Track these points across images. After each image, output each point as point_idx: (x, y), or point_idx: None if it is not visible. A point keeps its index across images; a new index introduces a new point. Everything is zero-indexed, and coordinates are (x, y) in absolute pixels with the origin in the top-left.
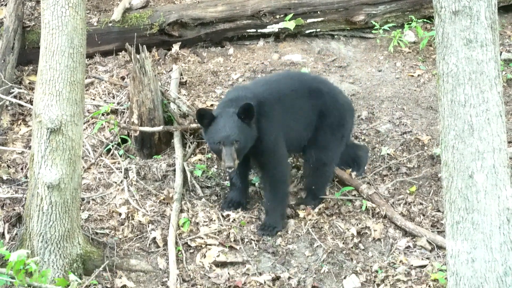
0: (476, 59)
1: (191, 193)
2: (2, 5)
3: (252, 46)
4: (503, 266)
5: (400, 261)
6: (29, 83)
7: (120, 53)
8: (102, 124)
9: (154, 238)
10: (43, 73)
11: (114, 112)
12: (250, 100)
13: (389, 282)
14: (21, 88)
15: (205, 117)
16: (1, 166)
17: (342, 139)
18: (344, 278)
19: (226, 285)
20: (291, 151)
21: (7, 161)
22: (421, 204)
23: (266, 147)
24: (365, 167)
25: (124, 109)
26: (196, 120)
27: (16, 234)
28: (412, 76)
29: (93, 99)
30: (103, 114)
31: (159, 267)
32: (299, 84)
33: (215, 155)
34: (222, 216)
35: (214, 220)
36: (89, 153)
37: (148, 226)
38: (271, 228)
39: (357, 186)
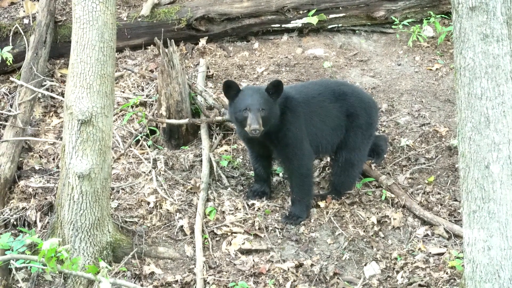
0: (492, 53)
1: (217, 182)
2: (34, 0)
3: (276, 40)
4: None
5: (419, 249)
6: (61, 76)
7: (149, 47)
8: (131, 116)
9: (182, 226)
10: (74, 66)
11: (143, 104)
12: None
13: (408, 269)
14: (53, 81)
15: (231, 88)
16: (33, 157)
17: (370, 138)
18: (365, 265)
19: (251, 271)
20: (324, 154)
21: (39, 152)
22: (439, 194)
23: (291, 140)
24: (384, 156)
25: (153, 101)
26: (223, 93)
27: (47, 222)
28: (431, 70)
29: (123, 92)
30: (132, 106)
31: (186, 255)
32: (324, 89)
33: (240, 141)
34: (247, 205)
35: (240, 209)
36: (119, 144)
37: (176, 215)
38: (295, 218)
39: (377, 177)
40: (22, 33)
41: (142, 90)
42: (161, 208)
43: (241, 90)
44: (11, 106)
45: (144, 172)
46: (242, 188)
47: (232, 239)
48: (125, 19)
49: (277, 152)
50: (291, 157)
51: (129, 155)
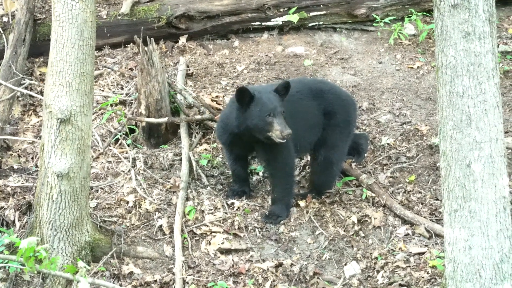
0: (474, 51)
1: (196, 182)
2: None
3: (257, 38)
4: (499, 253)
5: (399, 248)
6: (40, 74)
7: (129, 45)
8: (110, 115)
9: (161, 225)
10: (54, 64)
11: (123, 102)
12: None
13: (389, 269)
14: (32, 80)
15: (245, 94)
16: (12, 156)
17: (349, 136)
18: (345, 264)
19: (230, 271)
20: (302, 153)
21: (18, 151)
22: (419, 193)
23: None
24: (365, 155)
25: (132, 99)
26: (237, 101)
27: (26, 222)
28: (412, 68)
29: (102, 90)
30: (111, 105)
31: (165, 254)
32: (301, 86)
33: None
34: (227, 204)
35: (219, 208)
36: (98, 143)
37: (155, 214)
38: (275, 217)
39: (357, 175)
40: (1, 31)
41: (122, 88)
42: (140, 207)
43: (255, 95)
44: None
45: (123, 171)
46: (221, 187)
47: (211, 238)
48: (104, 17)
49: (263, 151)
50: (277, 156)
51: (108, 154)
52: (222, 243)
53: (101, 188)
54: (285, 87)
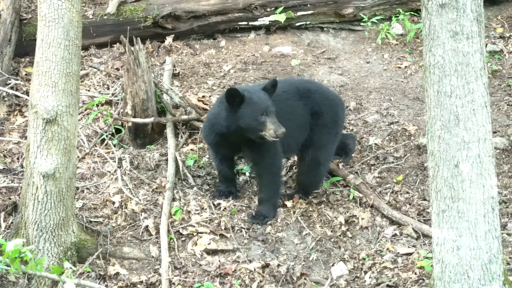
0: (462, 51)
1: (183, 182)
2: None
3: (244, 38)
4: (487, 254)
5: (387, 249)
6: (26, 74)
7: (115, 45)
8: (96, 115)
9: (147, 226)
10: (40, 64)
11: (109, 103)
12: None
13: (376, 270)
14: (17, 80)
15: (236, 96)
16: None
17: (337, 136)
18: (332, 265)
19: (217, 272)
20: (289, 153)
21: (4, 151)
22: (407, 193)
23: (267, 141)
24: (353, 155)
25: (118, 100)
26: (227, 102)
27: (11, 222)
28: (399, 67)
29: (88, 90)
30: (97, 105)
31: (152, 255)
32: (288, 86)
33: (206, 148)
34: (213, 204)
35: (206, 209)
36: (84, 143)
37: (141, 215)
38: (262, 217)
39: (345, 176)
40: None
41: (108, 88)
42: (126, 208)
43: (246, 95)
44: None
45: (109, 172)
46: (208, 187)
47: (198, 239)
48: (90, 17)
49: (250, 151)
50: (265, 156)
51: (94, 155)
52: (209, 243)
53: (87, 188)
54: (273, 85)
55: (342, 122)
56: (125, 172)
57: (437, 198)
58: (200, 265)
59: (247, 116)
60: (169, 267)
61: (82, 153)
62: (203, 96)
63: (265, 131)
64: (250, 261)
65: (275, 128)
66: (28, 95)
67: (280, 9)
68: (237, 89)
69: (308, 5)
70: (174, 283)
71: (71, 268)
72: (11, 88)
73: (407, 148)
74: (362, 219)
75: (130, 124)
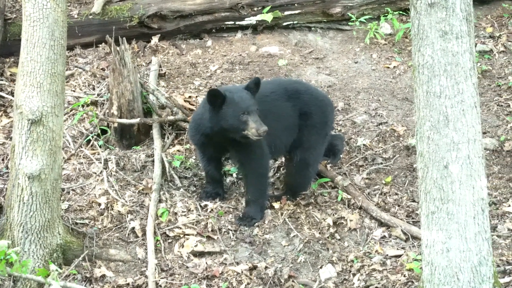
0: (452, 50)
1: (169, 183)
2: None
3: (230, 38)
4: (477, 256)
5: (376, 251)
6: (11, 75)
7: (100, 45)
8: (82, 115)
9: (133, 228)
10: (24, 65)
11: (94, 103)
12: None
13: (365, 272)
14: (2, 80)
15: (217, 97)
16: None
17: (325, 137)
18: (320, 267)
19: (204, 274)
20: (277, 154)
21: None
22: (396, 194)
23: (251, 141)
24: (341, 156)
25: (104, 100)
26: (209, 103)
27: None
28: (388, 67)
29: (74, 91)
30: (83, 106)
31: (138, 257)
32: (276, 87)
33: (194, 149)
34: (200, 206)
35: (192, 210)
36: (69, 144)
37: (127, 216)
38: (249, 219)
39: (333, 177)
40: None
41: (93, 89)
42: (112, 209)
43: (227, 96)
44: None
45: (95, 173)
46: (195, 189)
47: (184, 241)
48: (76, 16)
49: (236, 152)
50: (252, 157)
51: (80, 156)
52: (196, 245)
53: (73, 190)
54: (256, 84)
55: (331, 123)
56: (111, 173)
57: (426, 200)
58: (187, 267)
59: (229, 116)
60: (155, 269)
61: (67, 154)
62: (190, 97)
63: (247, 130)
64: (238, 263)
65: (257, 127)
66: (13, 96)
67: (267, 8)
68: (218, 89)
69: (296, 4)
70: (160, 286)
71: (57, 270)
72: None
73: (396, 149)
74: (351, 220)
75: (116, 125)
